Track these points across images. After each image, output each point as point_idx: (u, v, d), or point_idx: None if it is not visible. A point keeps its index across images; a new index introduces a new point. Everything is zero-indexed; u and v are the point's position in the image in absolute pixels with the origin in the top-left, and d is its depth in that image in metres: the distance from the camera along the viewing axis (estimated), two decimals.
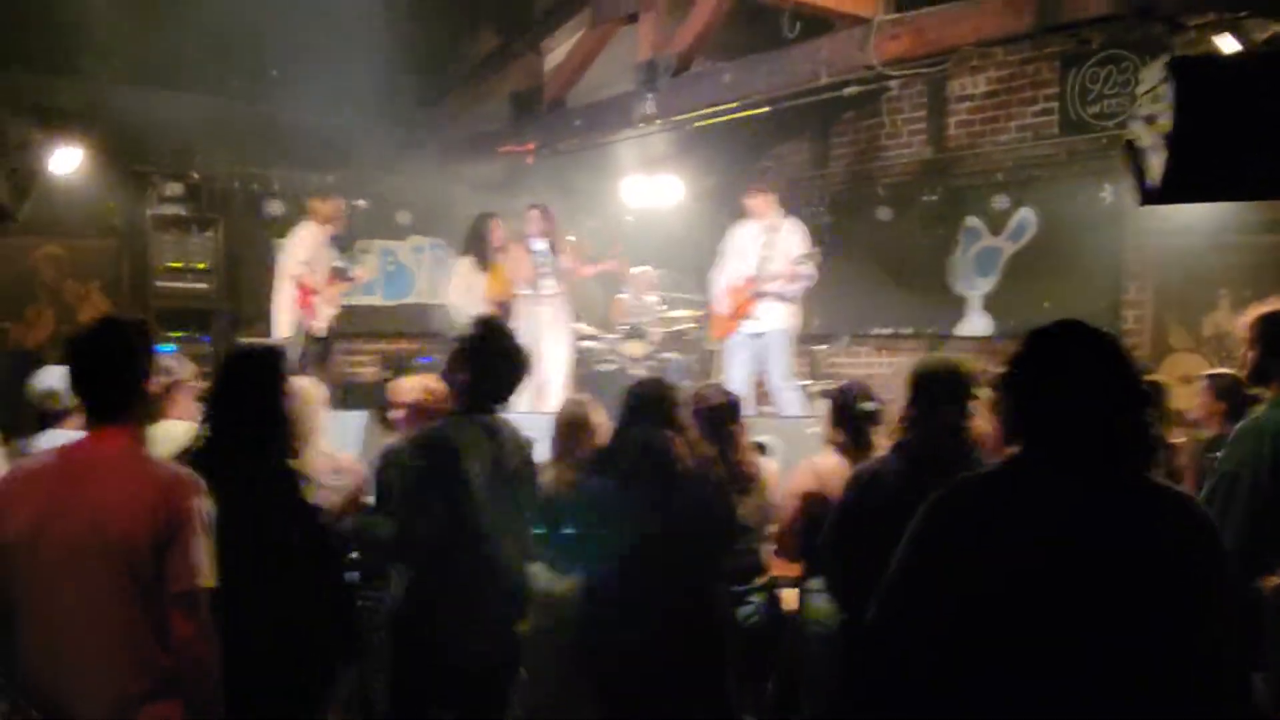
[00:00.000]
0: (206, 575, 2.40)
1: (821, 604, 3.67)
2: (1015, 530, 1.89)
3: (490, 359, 3.32)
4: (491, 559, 3.19)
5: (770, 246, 6.90)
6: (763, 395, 7.28)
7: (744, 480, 3.89)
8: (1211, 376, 4.81)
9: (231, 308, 8.27)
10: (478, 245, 7.43)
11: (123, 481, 2.39)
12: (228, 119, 7.83)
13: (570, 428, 3.89)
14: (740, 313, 6.91)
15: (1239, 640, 1.89)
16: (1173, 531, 1.87)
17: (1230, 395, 4.55)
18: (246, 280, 8.34)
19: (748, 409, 6.67)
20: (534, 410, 6.79)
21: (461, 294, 7.41)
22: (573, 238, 7.87)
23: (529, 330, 7.23)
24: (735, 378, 6.85)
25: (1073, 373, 1.93)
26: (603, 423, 3.90)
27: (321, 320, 7.17)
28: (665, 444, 3.28)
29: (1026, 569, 1.85)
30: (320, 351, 7.24)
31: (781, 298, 6.85)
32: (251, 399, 2.88)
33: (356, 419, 5.22)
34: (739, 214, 7.26)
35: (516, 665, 3.38)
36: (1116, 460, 1.90)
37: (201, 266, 8.22)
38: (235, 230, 8.41)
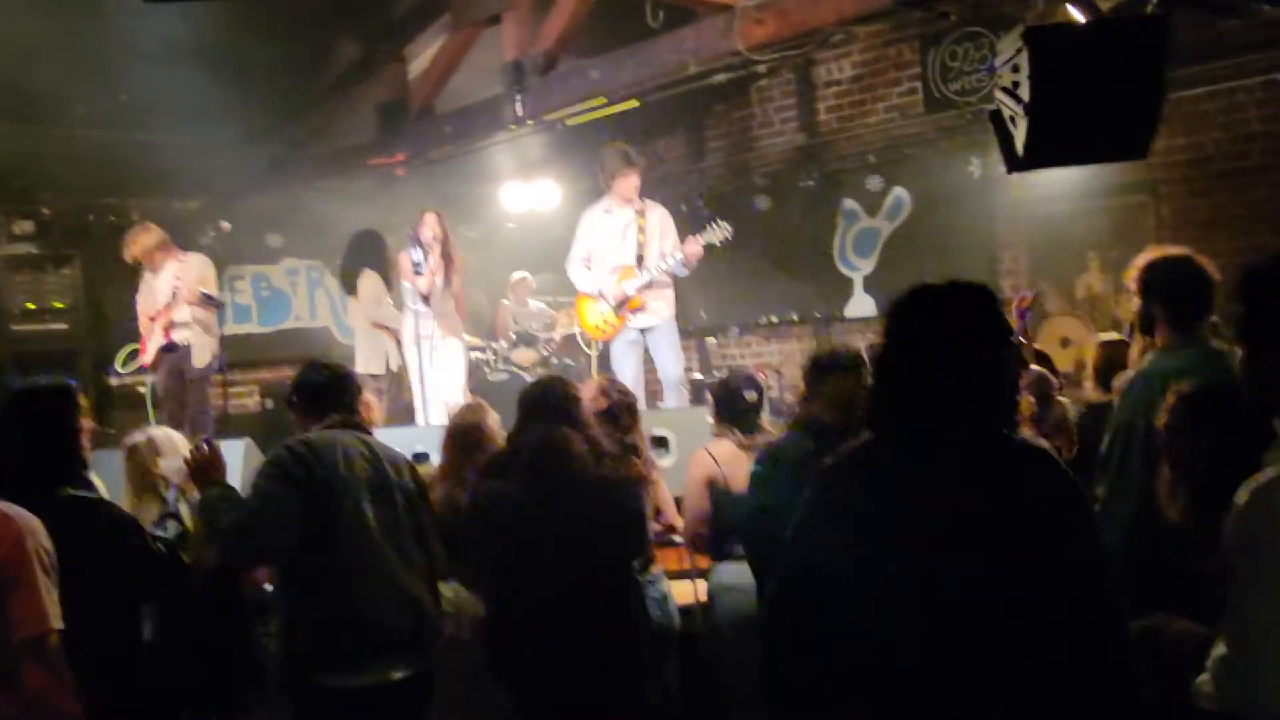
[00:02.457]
0: (53, 618, 2.24)
1: (735, 597, 3.66)
2: (885, 497, 1.89)
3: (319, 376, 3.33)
4: (383, 579, 3.06)
5: (645, 233, 6.51)
6: (653, 390, 7.20)
7: (643, 479, 3.83)
8: (1102, 344, 4.92)
9: (96, 346, 7.87)
10: (377, 259, 7.21)
11: None
12: (77, 149, 7.43)
13: (464, 435, 3.76)
14: (630, 306, 6.49)
15: (1111, 590, 1.90)
16: (1037, 487, 1.88)
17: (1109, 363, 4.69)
18: (111, 316, 7.94)
19: (640, 405, 6.58)
20: (426, 425, 6.65)
21: (372, 306, 7.17)
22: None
23: (414, 345, 6.99)
24: (628, 376, 6.49)
25: (940, 332, 1.91)
26: (496, 428, 3.79)
27: (148, 354, 6.87)
28: (565, 442, 3.20)
29: (899, 534, 1.85)
30: (172, 387, 6.90)
31: (665, 286, 6.53)
32: (34, 435, 2.89)
33: (235, 448, 4.98)
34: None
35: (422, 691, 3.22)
36: (982, 420, 1.90)
37: (59, 305, 7.82)
38: (95, 265, 8.02)
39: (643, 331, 6.55)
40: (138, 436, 3.78)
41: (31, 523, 2.32)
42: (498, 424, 3.82)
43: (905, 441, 1.92)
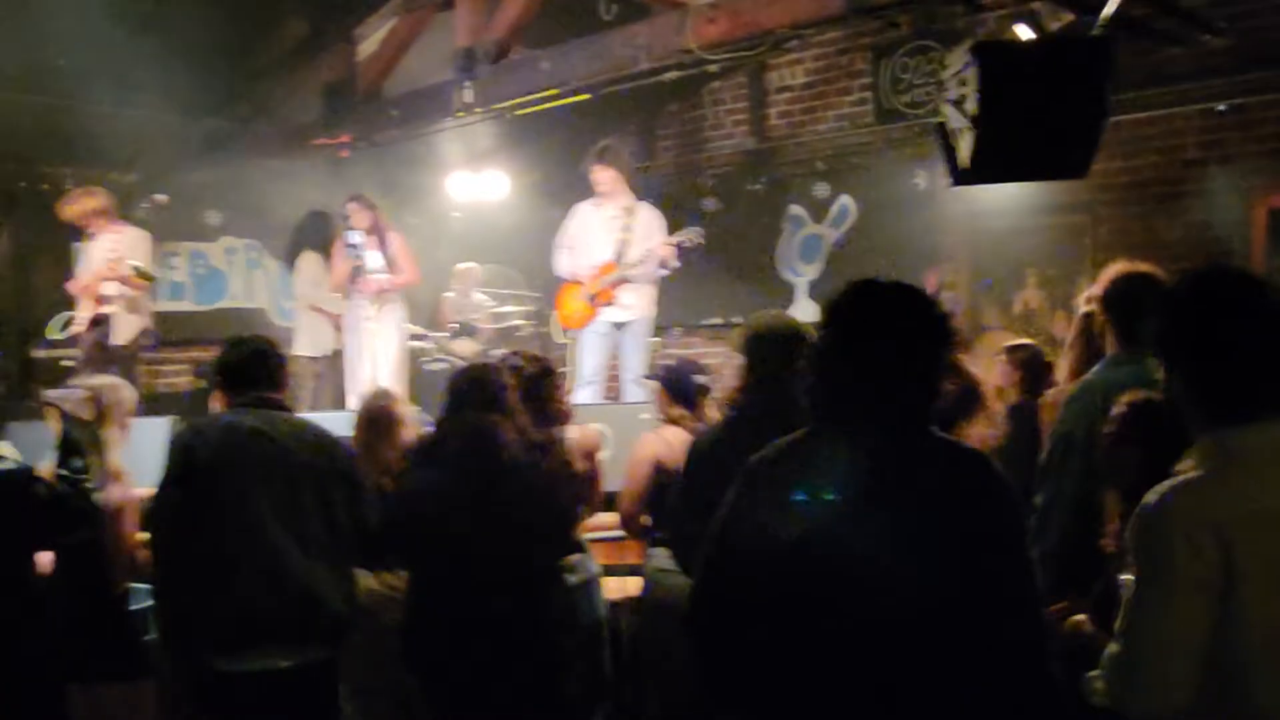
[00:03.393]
0: None
1: (672, 579, 3.62)
2: (814, 487, 1.90)
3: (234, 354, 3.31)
4: (266, 568, 3.01)
5: (629, 230, 6.62)
6: (611, 389, 7.15)
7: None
8: (1010, 348, 4.99)
9: (22, 317, 7.64)
10: (318, 240, 7.29)
11: None
12: (8, 113, 7.20)
13: (373, 424, 3.68)
14: (601, 299, 6.57)
15: (1033, 584, 1.94)
16: (969, 484, 1.92)
17: (1028, 366, 4.76)
18: (40, 287, 7.72)
19: (597, 398, 6.57)
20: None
21: (310, 288, 7.25)
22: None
23: (353, 330, 6.96)
24: (588, 366, 6.64)
25: (872, 328, 1.94)
26: (409, 416, 3.72)
27: (76, 324, 6.76)
28: (492, 430, 3.14)
29: (826, 527, 1.86)
30: (95, 360, 6.68)
31: (647, 284, 6.60)
32: None
33: (159, 427, 4.86)
34: (568, 208, 7.07)
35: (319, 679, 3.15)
36: (908, 417, 1.93)
37: None
38: (23, 234, 7.78)
39: (616, 326, 6.60)
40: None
41: None
42: (411, 413, 3.76)
43: (840, 435, 1.93)
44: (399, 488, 3.23)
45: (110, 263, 6.61)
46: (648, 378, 4.00)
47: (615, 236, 6.59)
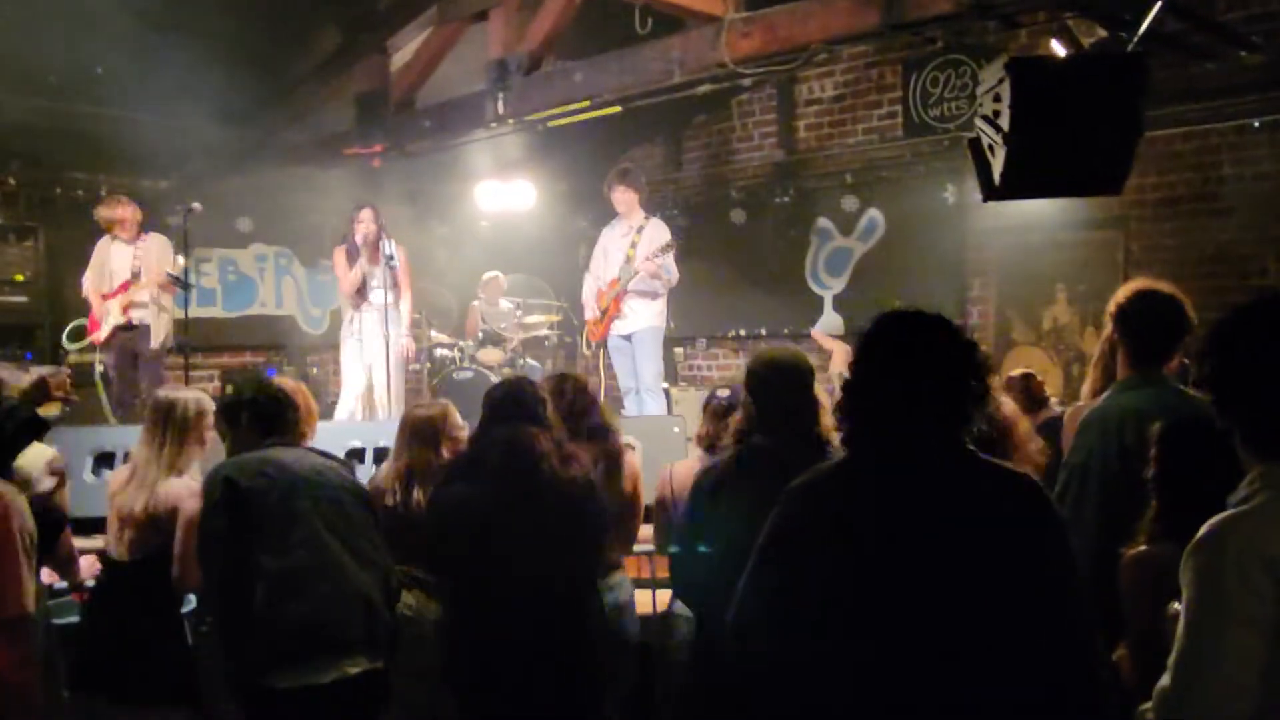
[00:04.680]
0: (29, 601, 2.20)
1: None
2: (859, 520, 1.90)
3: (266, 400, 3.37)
4: (339, 579, 3.06)
5: (635, 247, 6.79)
6: (614, 397, 7.19)
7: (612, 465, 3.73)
8: (1008, 378, 5.05)
9: (55, 321, 7.72)
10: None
11: None
12: (48, 120, 7.30)
13: (418, 434, 3.68)
14: (610, 313, 6.80)
15: (1086, 613, 1.92)
16: (1014, 509, 1.91)
17: (1020, 389, 4.85)
18: (72, 291, 7.79)
19: (630, 410, 6.66)
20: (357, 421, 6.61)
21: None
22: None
23: (355, 337, 6.86)
24: (622, 377, 6.90)
25: (907, 357, 1.95)
26: (459, 427, 3.72)
27: (103, 332, 6.75)
28: (531, 442, 3.12)
29: (873, 557, 1.87)
30: (124, 367, 6.78)
31: (648, 295, 6.73)
32: None
33: None
34: (595, 218, 7.15)
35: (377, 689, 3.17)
36: (958, 442, 1.94)
37: (19, 278, 7.67)
38: (57, 239, 7.87)
39: (625, 338, 6.79)
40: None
41: (18, 502, 2.27)
42: (460, 423, 3.76)
43: (880, 466, 1.94)
44: (436, 502, 3.21)
45: (138, 271, 6.70)
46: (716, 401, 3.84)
47: (624, 253, 6.81)
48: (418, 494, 3.48)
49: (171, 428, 3.45)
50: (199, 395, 3.61)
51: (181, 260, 6.78)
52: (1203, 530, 1.79)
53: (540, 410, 3.22)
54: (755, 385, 2.98)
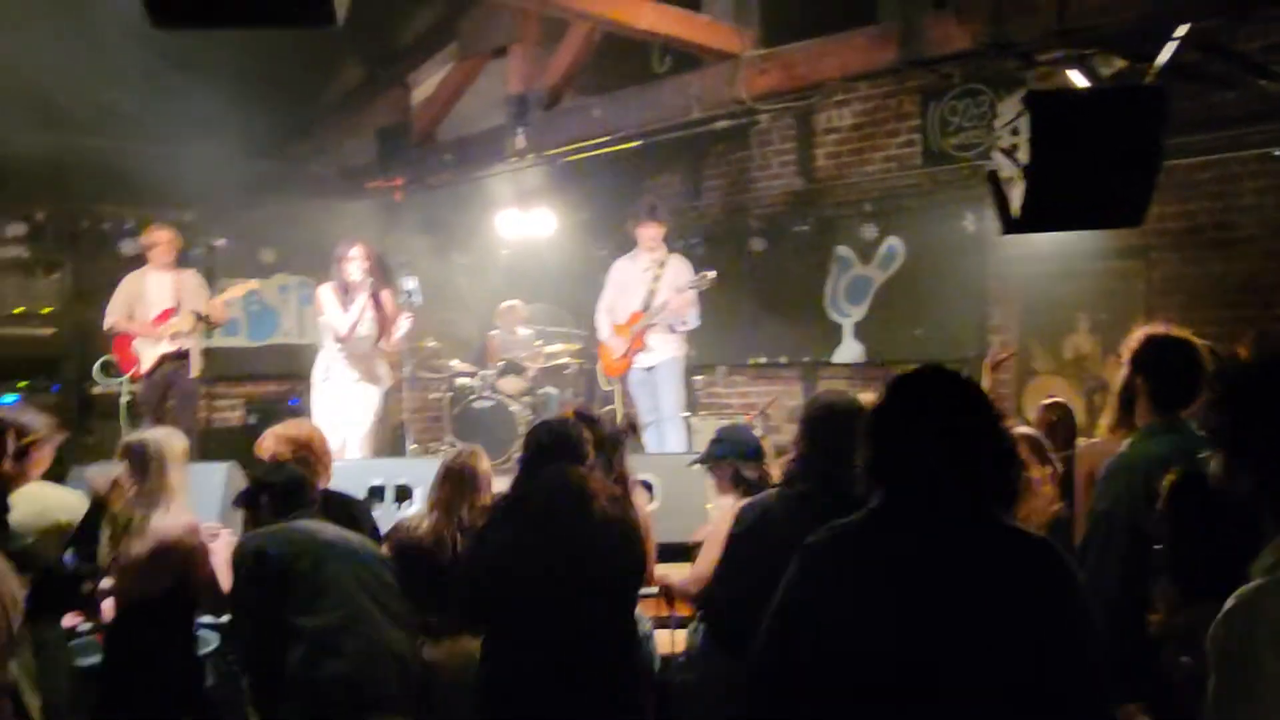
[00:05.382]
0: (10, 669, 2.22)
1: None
2: (879, 577, 1.90)
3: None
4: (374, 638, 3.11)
5: (659, 281, 6.81)
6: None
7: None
8: (1042, 408, 4.98)
9: (81, 354, 7.81)
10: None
11: None
12: (74, 155, 7.41)
13: (453, 480, 3.68)
14: (634, 347, 6.79)
15: (1101, 679, 1.91)
16: (1030, 575, 1.90)
17: (1059, 422, 4.79)
18: (97, 324, 7.88)
19: (650, 445, 6.67)
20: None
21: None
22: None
23: (324, 383, 6.57)
24: (643, 410, 6.89)
25: (931, 418, 1.96)
26: (489, 477, 3.73)
27: (145, 363, 6.79)
28: (581, 483, 3.10)
29: (890, 615, 1.87)
30: (152, 398, 6.82)
31: (671, 329, 6.76)
32: None
33: (217, 473, 4.91)
34: (615, 247, 7.17)
35: None
36: (977, 505, 1.93)
37: (46, 311, 7.76)
38: (84, 271, 7.97)
39: (648, 370, 6.81)
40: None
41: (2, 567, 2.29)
42: (489, 470, 3.77)
43: (901, 523, 1.94)
44: (479, 547, 3.16)
45: (180, 302, 6.79)
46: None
47: (647, 287, 6.81)
48: (460, 541, 3.50)
49: (153, 466, 3.52)
50: (169, 430, 3.74)
51: (233, 291, 6.95)
52: (1231, 602, 1.75)
53: (584, 450, 3.21)
54: (810, 427, 3.00)
